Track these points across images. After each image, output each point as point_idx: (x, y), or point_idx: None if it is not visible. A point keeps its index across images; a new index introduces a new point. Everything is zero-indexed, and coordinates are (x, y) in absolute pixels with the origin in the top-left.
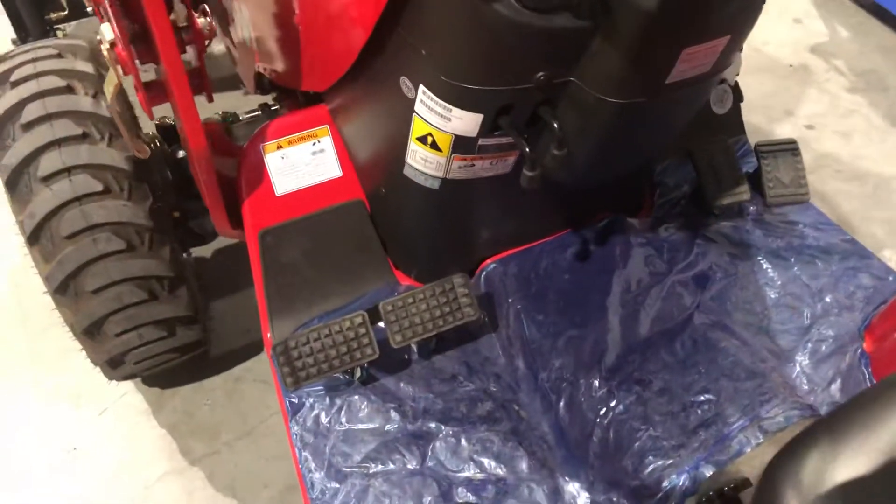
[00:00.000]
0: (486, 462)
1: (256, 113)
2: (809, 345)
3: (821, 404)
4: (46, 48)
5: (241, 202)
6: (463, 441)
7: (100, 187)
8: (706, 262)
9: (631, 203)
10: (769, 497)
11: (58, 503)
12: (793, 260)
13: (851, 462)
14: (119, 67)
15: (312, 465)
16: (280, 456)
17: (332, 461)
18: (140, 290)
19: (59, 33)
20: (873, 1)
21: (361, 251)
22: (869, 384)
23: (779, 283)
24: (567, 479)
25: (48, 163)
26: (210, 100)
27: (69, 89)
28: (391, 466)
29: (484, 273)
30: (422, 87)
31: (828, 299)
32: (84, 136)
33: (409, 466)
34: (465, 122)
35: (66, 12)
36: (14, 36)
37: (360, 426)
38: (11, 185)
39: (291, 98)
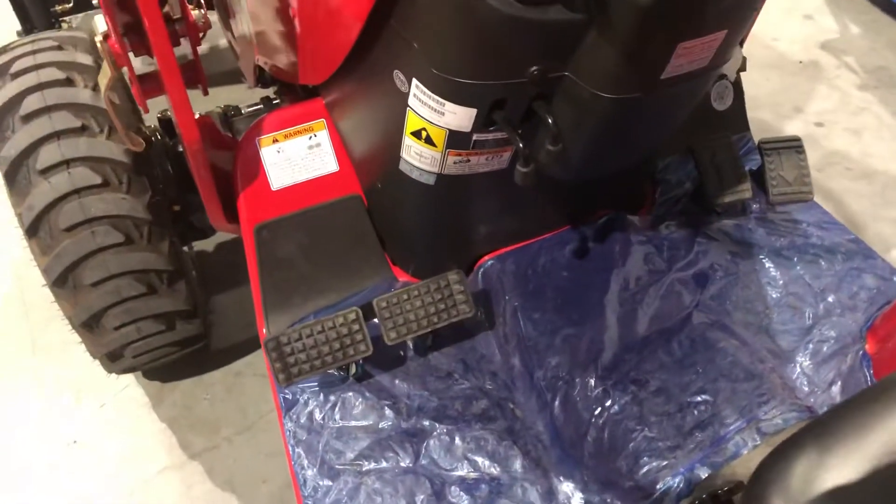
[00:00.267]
0: (480, 461)
1: (258, 106)
2: (810, 345)
3: (821, 406)
4: (47, 40)
5: (237, 196)
6: (457, 439)
7: (98, 180)
8: (707, 260)
9: (631, 200)
10: (757, 502)
11: (57, 497)
12: (795, 259)
13: (840, 468)
14: (112, 60)
15: (305, 463)
16: (279, 452)
17: (325, 458)
18: (139, 284)
19: (65, 25)
20: None
21: (358, 246)
22: (873, 383)
23: (781, 282)
24: (561, 479)
25: (47, 155)
26: (205, 93)
27: (69, 81)
28: (384, 464)
29: (481, 270)
30: (415, 81)
31: (830, 299)
32: (83, 129)
33: (403, 464)
34: (459, 116)
35: (70, 4)
36: (20, 28)
37: (354, 423)
38: (10, 178)
39: (292, 92)
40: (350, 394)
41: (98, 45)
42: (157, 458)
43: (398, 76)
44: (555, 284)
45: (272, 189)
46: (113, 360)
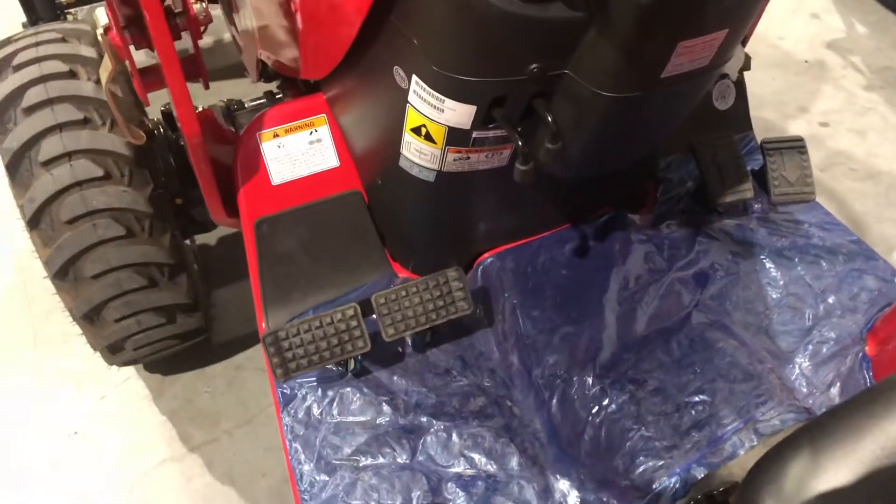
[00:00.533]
0: (477, 458)
1: (261, 101)
2: (810, 346)
3: (819, 407)
4: (50, 32)
5: (237, 191)
6: (454, 436)
7: (100, 173)
8: (707, 260)
9: (633, 199)
10: None
11: (57, 488)
12: (796, 260)
13: (834, 471)
14: (113, 53)
15: (302, 457)
16: (279, 446)
17: (322, 453)
18: (139, 277)
19: (70, 17)
20: None
21: (358, 242)
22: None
23: (781, 282)
24: (558, 477)
25: (49, 147)
26: (206, 87)
27: (71, 74)
28: (381, 460)
29: (481, 267)
30: (415, 78)
31: (831, 300)
32: (85, 121)
33: (399, 460)
34: (459, 113)
35: None
36: (25, 20)
37: (352, 419)
38: (12, 169)
39: (295, 86)
40: (348, 389)
41: (99, 37)
42: (158, 450)
43: (398, 72)
44: (554, 283)
45: (272, 184)
46: (113, 352)
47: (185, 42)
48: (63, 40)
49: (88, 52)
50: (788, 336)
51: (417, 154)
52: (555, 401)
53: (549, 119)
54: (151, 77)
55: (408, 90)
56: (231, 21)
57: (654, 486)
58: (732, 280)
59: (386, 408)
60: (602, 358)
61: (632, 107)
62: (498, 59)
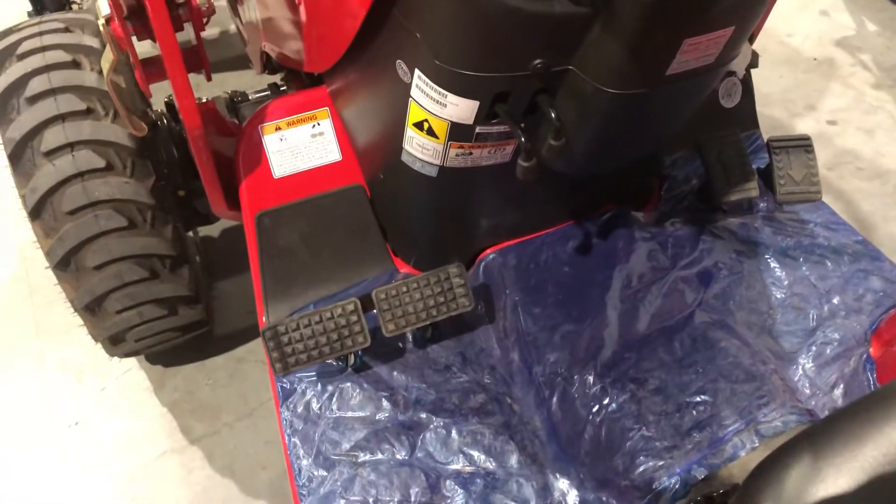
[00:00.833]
0: (476, 455)
1: (265, 92)
2: (814, 347)
3: (822, 409)
4: (53, 22)
5: (239, 183)
6: (454, 433)
7: (102, 164)
8: (711, 258)
9: (637, 196)
10: None
11: (57, 478)
12: (801, 259)
13: (834, 477)
14: (115, 43)
15: (301, 452)
16: (279, 439)
17: (320, 448)
18: (141, 268)
19: (75, 7)
20: None
21: (360, 237)
22: (872, 390)
23: (786, 282)
24: (557, 475)
25: (51, 137)
26: (209, 78)
27: (75, 64)
28: (380, 456)
29: (483, 263)
30: (417, 72)
31: (835, 301)
32: (88, 112)
33: (398, 457)
34: (461, 108)
35: None
36: (30, 9)
37: (351, 414)
38: (15, 159)
39: (299, 79)
40: (348, 384)
41: (101, 28)
42: (158, 442)
43: (401, 66)
44: (556, 280)
45: (274, 177)
46: (115, 343)
47: (189, 33)
48: (67, 30)
49: (92, 41)
50: (792, 336)
51: (420, 149)
52: (555, 399)
53: (553, 115)
54: (153, 68)
55: (410, 84)
56: (236, 12)
57: (653, 487)
58: (736, 279)
59: (385, 403)
60: (603, 356)
61: (636, 104)
62: (501, 55)
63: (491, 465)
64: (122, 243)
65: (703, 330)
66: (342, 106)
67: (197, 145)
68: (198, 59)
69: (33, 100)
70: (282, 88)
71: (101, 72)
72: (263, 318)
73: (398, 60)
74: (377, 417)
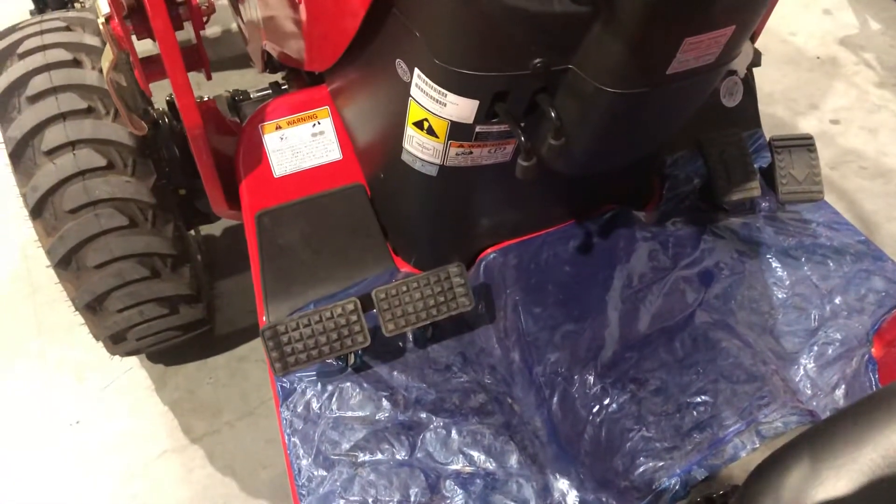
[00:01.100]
0: (476, 455)
1: (267, 91)
2: (815, 347)
3: (823, 409)
4: (55, 20)
5: (239, 182)
6: (453, 433)
7: (103, 162)
8: (712, 258)
9: (638, 195)
10: None
11: (58, 476)
12: (803, 259)
13: (834, 480)
14: (115, 42)
15: (301, 452)
16: (280, 438)
17: (320, 448)
18: (142, 267)
19: (77, 6)
20: None
21: (361, 236)
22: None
23: (787, 282)
24: (557, 476)
25: (52, 136)
26: (208, 77)
27: (76, 63)
28: (379, 456)
29: (483, 262)
30: (417, 71)
31: (837, 301)
32: (89, 111)
33: (398, 457)
34: (461, 107)
35: None
36: (33, 7)
37: (351, 414)
38: (16, 158)
39: (300, 78)
40: (348, 384)
41: (101, 27)
42: (159, 440)
43: (400, 65)
44: (557, 279)
45: (274, 176)
46: (116, 342)
47: (189, 32)
48: (68, 29)
49: (93, 40)
50: (793, 337)
51: (420, 148)
52: (555, 399)
53: (553, 114)
54: (153, 67)
55: (410, 83)
56: (237, 11)
57: (653, 487)
58: (737, 279)
59: (385, 403)
60: (604, 356)
61: (636, 103)
62: (501, 54)
63: (491, 465)
64: (123, 242)
65: (703, 330)
66: (343, 105)
67: (196, 144)
68: (198, 57)
69: (34, 98)
70: (283, 87)
71: (101, 70)
72: (264, 318)
73: (398, 59)
74: (377, 417)
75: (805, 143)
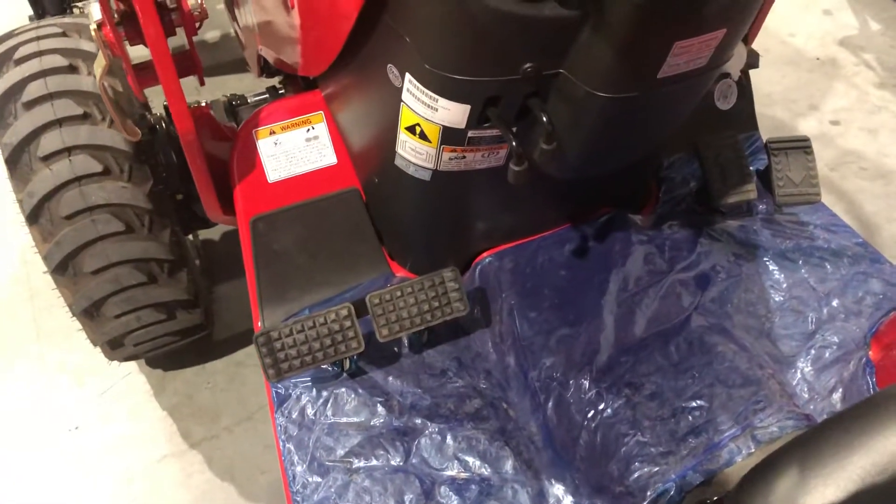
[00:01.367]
0: (471, 461)
1: (264, 96)
2: (812, 351)
3: (820, 413)
4: (51, 26)
5: (233, 188)
6: (449, 438)
7: (99, 168)
8: (709, 261)
9: (635, 199)
10: None
11: (57, 482)
12: (800, 262)
13: (822, 489)
14: (108, 48)
15: (295, 458)
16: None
17: (315, 455)
18: (139, 273)
19: (76, 11)
20: None
21: (356, 241)
22: (868, 395)
23: (784, 285)
24: (552, 481)
25: (48, 142)
26: (202, 83)
27: (72, 68)
28: (374, 462)
29: (479, 267)
30: (408, 76)
31: (835, 304)
32: (85, 116)
33: (393, 463)
34: (453, 112)
35: None
36: (31, 13)
37: (346, 420)
38: (12, 164)
39: (296, 82)
40: (343, 390)
41: (93, 33)
42: (158, 445)
43: (392, 70)
44: (552, 283)
45: (269, 181)
46: (114, 347)
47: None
48: (64, 34)
49: (89, 46)
50: (790, 340)
51: (413, 153)
52: (550, 404)
53: (545, 119)
54: (146, 73)
55: (401, 88)
56: (233, 17)
57: (648, 493)
58: (734, 282)
59: (380, 409)
60: (599, 361)
61: (628, 107)
62: (491, 59)
63: (486, 471)
64: (120, 248)
65: (699, 334)
66: (336, 110)
67: (190, 150)
68: (191, 63)
69: (30, 104)
70: (280, 92)
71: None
72: (259, 324)
73: (389, 64)
74: (372, 423)
75: (802, 145)
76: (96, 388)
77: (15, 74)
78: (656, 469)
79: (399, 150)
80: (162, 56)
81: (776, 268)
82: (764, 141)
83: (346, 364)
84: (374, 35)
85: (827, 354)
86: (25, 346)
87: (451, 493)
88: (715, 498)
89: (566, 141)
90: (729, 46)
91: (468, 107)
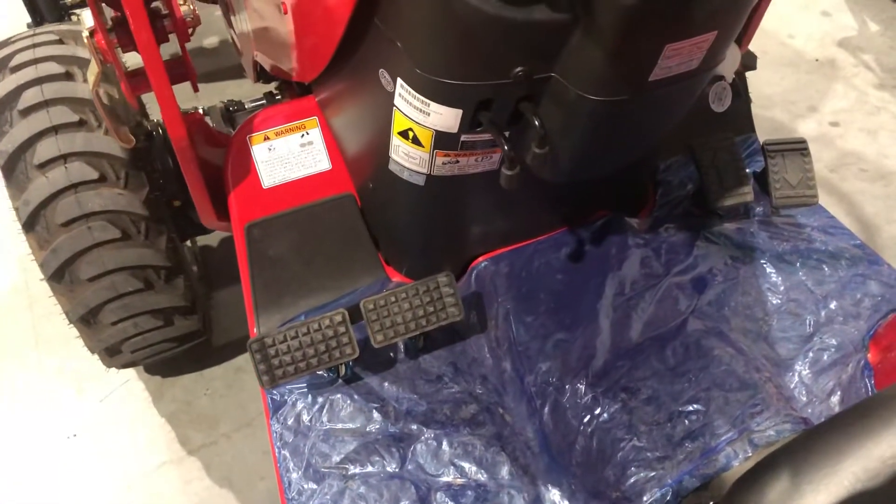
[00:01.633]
0: (467, 467)
1: (261, 101)
2: (810, 354)
3: (818, 416)
4: (47, 34)
5: (228, 194)
6: (444, 444)
7: (95, 175)
8: (706, 264)
9: (631, 202)
10: None
11: (56, 489)
12: (798, 264)
13: (812, 495)
14: (100, 56)
15: (291, 465)
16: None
17: (310, 461)
18: (135, 280)
19: (75, 18)
20: None
21: (351, 246)
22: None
23: (782, 288)
24: (549, 487)
25: (44, 150)
26: (195, 89)
27: (68, 76)
28: (370, 468)
29: (475, 271)
30: (399, 81)
31: (833, 306)
32: (81, 124)
33: (389, 469)
34: (445, 117)
35: None
36: (30, 20)
37: (341, 426)
38: (8, 172)
39: (291, 88)
40: (338, 396)
41: (85, 40)
42: (157, 452)
43: (384, 75)
44: (548, 287)
45: (263, 187)
46: (111, 354)
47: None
48: (60, 42)
49: (85, 53)
50: (788, 343)
51: (406, 158)
52: (547, 409)
53: (536, 123)
54: (139, 79)
55: (393, 93)
56: (229, 23)
57: (645, 499)
58: (731, 285)
59: (376, 415)
60: (595, 365)
61: (620, 110)
62: (482, 63)
63: (482, 476)
64: (116, 255)
65: (696, 338)
66: (331, 115)
67: (183, 156)
68: (184, 69)
69: (26, 112)
70: (277, 97)
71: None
72: (254, 330)
73: (381, 69)
74: (367, 429)
75: (798, 147)
76: (95, 395)
77: (11, 82)
78: (652, 474)
79: (393, 154)
80: (154, 63)
81: (773, 270)
82: (761, 143)
83: (342, 370)
84: (365, 40)
85: (825, 357)
86: (24, 353)
87: (447, 499)
88: (712, 503)
89: (559, 144)
90: (721, 49)
91: (460, 111)
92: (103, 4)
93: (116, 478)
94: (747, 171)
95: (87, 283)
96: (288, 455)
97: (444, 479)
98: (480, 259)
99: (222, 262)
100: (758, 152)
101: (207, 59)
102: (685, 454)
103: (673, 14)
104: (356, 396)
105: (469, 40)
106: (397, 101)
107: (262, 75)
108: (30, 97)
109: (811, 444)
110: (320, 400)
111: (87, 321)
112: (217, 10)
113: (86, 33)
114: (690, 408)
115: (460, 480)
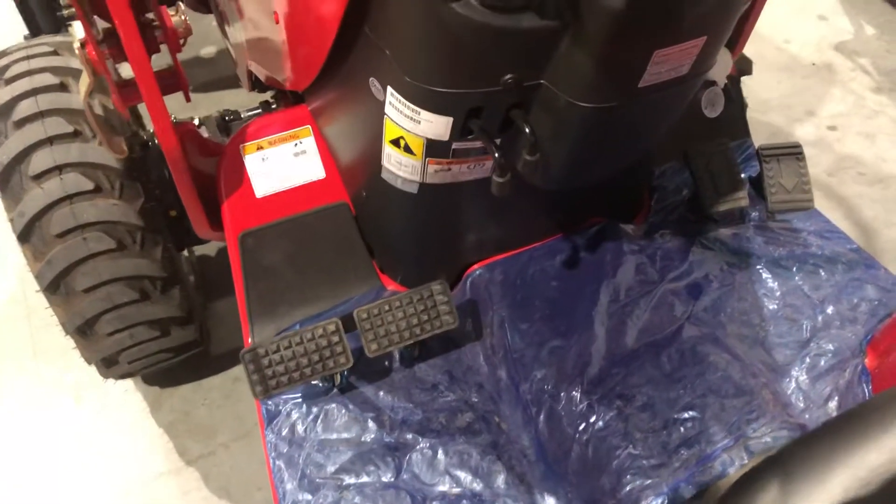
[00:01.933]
0: (463, 476)
1: (257, 111)
2: (807, 359)
3: (815, 422)
4: (42, 45)
5: (221, 203)
6: (440, 454)
7: (90, 186)
8: (701, 270)
9: (626, 208)
10: None
11: (54, 498)
12: (794, 269)
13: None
14: (91, 67)
15: (286, 476)
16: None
17: (305, 471)
18: (131, 290)
19: (71, 30)
20: None
21: (346, 255)
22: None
23: (778, 293)
24: (545, 495)
25: (39, 161)
26: (188, 99)
27: (62, 87)
28: (365, 478)
29: (469, 279)
30: (390, 89)
31: (829, 311)
32: (76, 134)
33: (384, 479)
34: (435, 124)
35: None
36: (27, 32)
37: (336, 436)
38: (3, 183)
39: (286, 97)
40: (333, 405)
41: (77, 51)
42: (155, 463)
43: (374, 84)
44: (543, 295)
45: (256, 196)
46: (108, 365)
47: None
48: (55, 53)
49: (79, 64)
50: (785, 348)
51: (398, 166)
52: (542, 417)
53: (527, 130)
54: (131, 90)
55: (384, 102)
56: (224, 34)
57: None
58: (727, 291)
59: (371, 424)
60: (590, 373)
61: (610, 117)
62: (471, 71)
63: (478, 486)
64: (112, 265)
65: (692, 344)
66: (323, 124)
67: (175, 167)
68: (176, 79)
69: (21, 123)
70: (273, 107)
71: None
72: (249, 340)
73: (371, 78)
74: (363, 439)
75: (793, 152)
76: (93, 406)
77: (5, 93)
78: (648, 482)
79: (385, 163)
80: (144, 73)
81: (770, 275)
82: (756, 147)
83: (337, 379)
84: (355, 48)
85: (822, 362)
86: (23, 363)
87: None
88: None
89: (550, 151)
90: (710, 54)
91: (450, 119)
92: (95, 16)
93: (115, 487)
94: (742, 175)
95: (82, 294)
96: (283, 465)
97: (440, 488)
98: (475, 267)
99: (220, 272)
100: (753, 157)
101: (204, 69)
102: (681, 461)
103: (661, 20)
104: (351, 406)
105: (458, 48)
106: (388, 109)
107: (256, 84)
108: (24, 108)
109: (802, 452)
110: (315, 410)
111: (83, 332)
112: (214, 21)
113: (77, 44)
114: (686, 415)
115: (456, 490)
